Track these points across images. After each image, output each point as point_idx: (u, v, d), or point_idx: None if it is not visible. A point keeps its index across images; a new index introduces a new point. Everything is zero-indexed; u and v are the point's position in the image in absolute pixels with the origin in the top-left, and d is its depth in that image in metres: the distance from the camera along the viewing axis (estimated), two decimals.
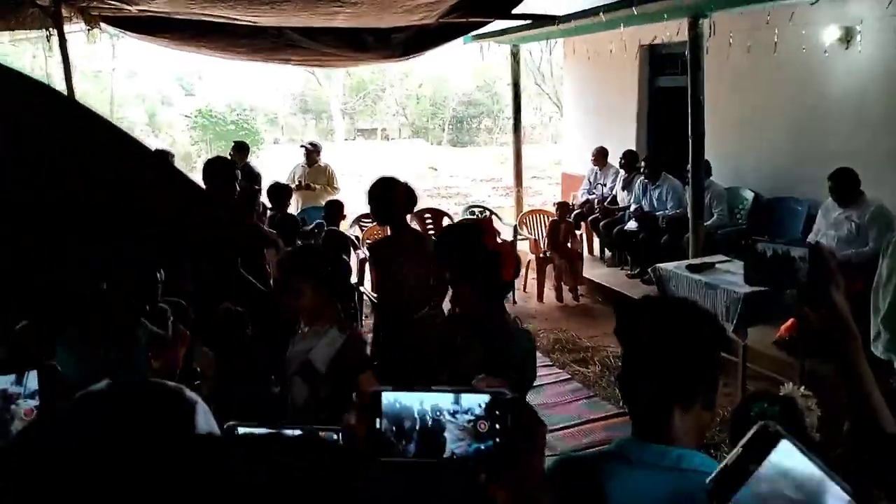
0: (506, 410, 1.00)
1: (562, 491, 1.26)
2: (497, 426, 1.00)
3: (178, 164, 8.31)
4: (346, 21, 5.66)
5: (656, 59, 7.97)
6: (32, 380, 1.06)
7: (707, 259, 5.15)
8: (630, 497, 1.18)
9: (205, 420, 0.71)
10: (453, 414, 1.00)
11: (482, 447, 1.00)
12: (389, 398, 1.00)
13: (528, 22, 6.83)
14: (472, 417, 1.00)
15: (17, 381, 1.06)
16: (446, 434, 1.00)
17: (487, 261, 2.36)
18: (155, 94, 22.46)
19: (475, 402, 1.00)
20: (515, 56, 8.45)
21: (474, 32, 7.04)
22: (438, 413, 0.99)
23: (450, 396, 1.00)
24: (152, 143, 8.18)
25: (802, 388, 1.91)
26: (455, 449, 1.00)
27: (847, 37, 5.60)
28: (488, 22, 6.79)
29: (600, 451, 1.31)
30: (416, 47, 6.68)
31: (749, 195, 6.59)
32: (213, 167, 4.19)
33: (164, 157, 5.86)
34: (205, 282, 3.44)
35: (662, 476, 1.17)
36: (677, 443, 1.20)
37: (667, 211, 6.80)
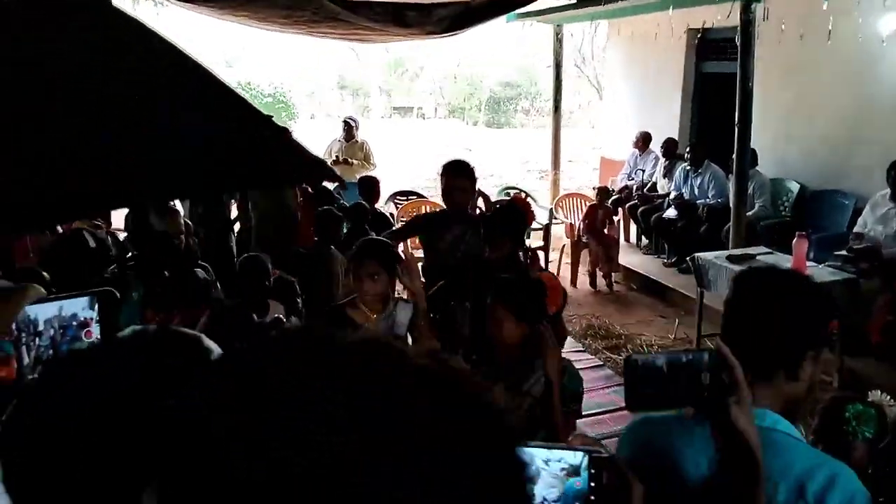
0: (601, 468, 1.05)
1: (634, 451, 1.29)
2: (592, 483, 1.05)
3: None
4: None
5: (703, 44, 7.76)
6: (89, 305, 1.09)
7: (748, 250, 5.04)
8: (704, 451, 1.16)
9: None
10: (546, 462, 1.08)
11: (572, 495, 1.06)
12: None
13: (575, 1, 6.70)
14: (566, 466, 1.06)
15: (89, 306, 1.08)
16: (539, 482, 1.07)
17: (533, 290, 2.40)
18: None
19: (569, 454, 1.07)
20: (558, 36, 8.31)
21: (518, 10, 6.92)
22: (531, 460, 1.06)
23: (544, 452, 1.08)
24: None
25: (888, 396, 1.88)
26: (547, 496, 1.07)
27: None
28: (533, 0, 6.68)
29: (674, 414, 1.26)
30: (459, 23, 6.59)
31: (794, 186, 6.42)
32: None
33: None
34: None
35: None
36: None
37: (708, 200, 6.67)
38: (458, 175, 3.63)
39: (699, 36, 7.60)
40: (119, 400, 0.67)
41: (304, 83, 22.45)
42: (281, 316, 3.15)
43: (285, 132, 2.12)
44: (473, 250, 3.50)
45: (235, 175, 1.90)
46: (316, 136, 8.91)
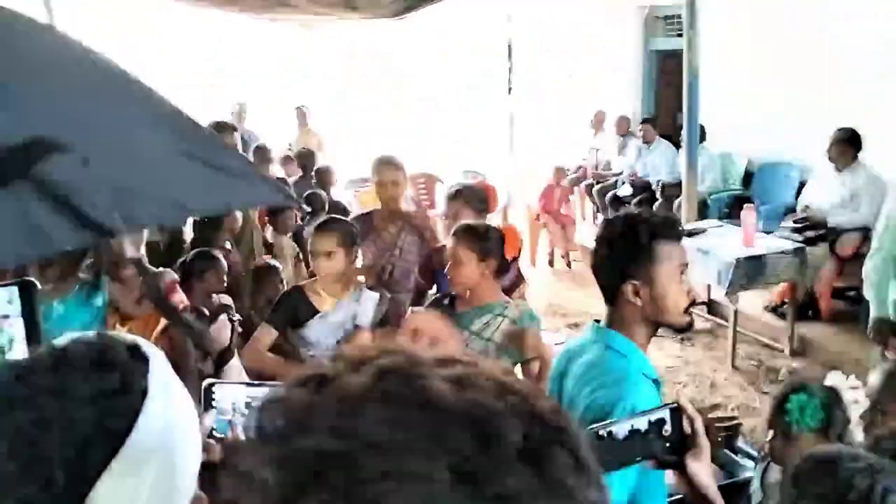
0: (680, 417, 1.15)
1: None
2: (670, 433, 1.15)
3: None
4: None
5: (652, 21, 7.86)
6: (10, 297, 1.04)
7: (700, 224, 5.15)
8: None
9: (160, 372, 0.71)
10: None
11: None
12: None
13: None
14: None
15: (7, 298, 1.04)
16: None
17: (492, 231, 2.40)
18: None
19: (656, 413, 1.17)
20: (509, 17, 8.29)
21: None
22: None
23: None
24: None
25: (852, 377, 1.80)
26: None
27: None
28: None
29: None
30: (410, 6, 6.53)
31: (743, 160, 6.57)
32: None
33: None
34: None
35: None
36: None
37: (661, 176, 6.78)
38: (388, 170, 3.34)
39: (648, 12, 7.69)
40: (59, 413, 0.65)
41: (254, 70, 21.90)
42: (228, 304, 3.13)
43: (240, 155, 2.07)
44: (409, 254, 3.28)
45: (194, 202, 1.82)
46: (270, 124, 8.77)
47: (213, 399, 1.05)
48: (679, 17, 5.79)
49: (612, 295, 1.51)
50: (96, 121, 1.61)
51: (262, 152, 6.14)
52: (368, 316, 2.65)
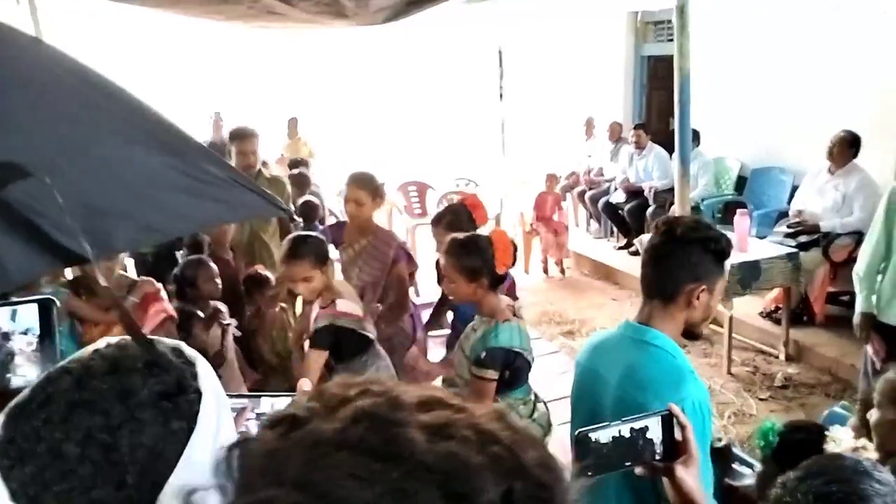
0: (670, 425, 1.15)
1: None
2: (660, 440, 1.16)
3: None
4: None
5: (643, 27, 7.86)
6: (27, 315, 1.02)
7: None
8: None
9: (207, 375, 0.72)
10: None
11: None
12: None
13: None
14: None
15: (11, 317, 1.02)
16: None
17: (482, 249, 2.33)
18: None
19: (645, 422, 1.16)
20: (500, 23, 8.28)
21: None
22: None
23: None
24: None
25: (852, 435, 1.76)
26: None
27: None
28: None
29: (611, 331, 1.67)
30: (398, 12, 6.50)
31: (735, 165, 6.56)
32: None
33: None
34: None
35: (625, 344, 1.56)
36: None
37: (653, 181, 6.76)
38: (352, 188, 3.29)
39: (638, 18, 7.69)
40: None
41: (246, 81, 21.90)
42: (220, 308, 3.12)
43: (230, 167, 2.02)
44: (366, 273, 3.26)
45: (185, 217, 1.77)
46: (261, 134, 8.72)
47: None
48: (670, 22, 5.78)
49: (669, 292, 1.53)
50: (69, 138, 1.56)
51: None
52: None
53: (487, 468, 0.39)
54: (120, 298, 2.60)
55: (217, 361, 3.02)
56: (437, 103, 12.46)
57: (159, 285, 2.89)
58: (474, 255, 2.32)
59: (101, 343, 0.73)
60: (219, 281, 3.24)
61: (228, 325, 3.22)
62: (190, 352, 0.74)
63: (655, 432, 1.14)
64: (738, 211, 4.76)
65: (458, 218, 3.08)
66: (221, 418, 0.70)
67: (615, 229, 7.22)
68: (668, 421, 1.15)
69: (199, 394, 0.69)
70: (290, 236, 2.76)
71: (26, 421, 0.65)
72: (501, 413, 0.44)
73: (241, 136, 3.99)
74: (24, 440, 0.64)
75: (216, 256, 3.58)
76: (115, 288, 2.62)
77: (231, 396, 1.16)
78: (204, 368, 0.73)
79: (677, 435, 1.15)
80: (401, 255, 3.34)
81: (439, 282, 3.22)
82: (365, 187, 3.27)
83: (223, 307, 3.30)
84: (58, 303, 1.08)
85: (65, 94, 1.70)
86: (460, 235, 2.44)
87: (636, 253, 5.87)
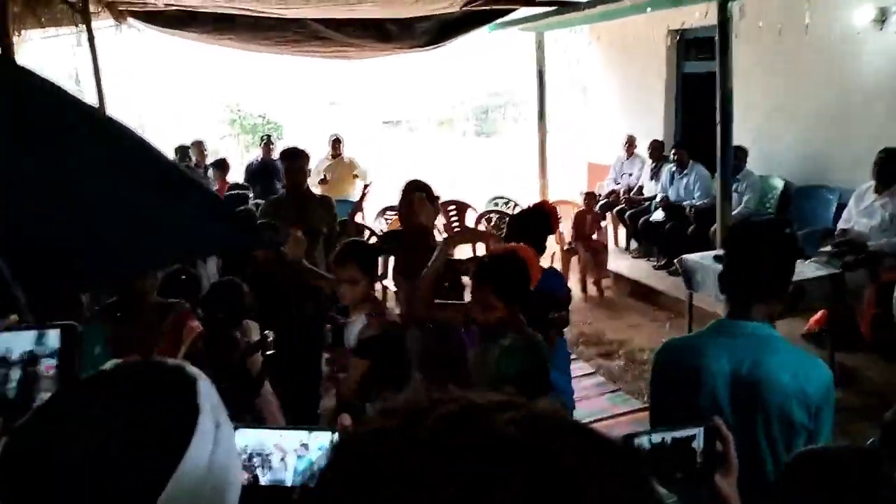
0: (713, 437, 1.19)
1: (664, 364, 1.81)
2: (704, 451, 1.19)
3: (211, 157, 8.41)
4: (369, 11, 5.65)
5: (684, 45, 7.83)
6: (53, 339, 1.09)
7: None
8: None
9: (208, 394, 0.74)
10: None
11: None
12: None
13: (553, 9, 6.75)
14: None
15: (38, 341, 1.08)
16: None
17: (518, 269, 2.34)
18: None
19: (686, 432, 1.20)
20: (540, 43, 8.36)
21: (499, 21, 6.97)
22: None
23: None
24: (183, 139, 8.33)
25: None
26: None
27: (881, 17, 5.43)
28: (513, 9, 6.72)
29: (698, 331, 1.87)
30: (441, 36, 6.65)
31: (779, 183, 6.45)
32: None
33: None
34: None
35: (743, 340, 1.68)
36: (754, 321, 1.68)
37: (694, 200, 6.70)
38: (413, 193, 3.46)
39: (679, 37, 7.66)
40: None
41: (293, 101, 22.43)
42: (267, 333, 3.14)
43: (216, 198, 2.04)
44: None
45: (170, 250, 1.78)
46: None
47: None
48: (711, 39, 5.76)
49: (775, 292, 1.71)
50: (33, 175, 1.54)
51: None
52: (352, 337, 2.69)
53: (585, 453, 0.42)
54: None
55: (256, 388, 3.00)
56: (475, 122, 12.57)
57: (186, 305, 2.94)
58: (510, 283, 2.34)
59: (107, 364, 0.76)
60: (248, 301, 3.22)
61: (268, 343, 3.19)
62: (192, 371, 0.76)
63: (698, 442, 1.19)
64: None
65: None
66: (220, 437, 0.73)
67: (655, 249, 7.15)
68: (712, 432, 1.19)
69: (196, 410, 0.72)
70: (344, 241, 2.89)
71: (26, 439, 0.68)
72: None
73: (292, 156, 4.18)
74: (21, 459, 0.67)
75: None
76: (152, 311, 2.75)
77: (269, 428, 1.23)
78: (205, 387, 0.75)
79: (719, 447, 1.19)
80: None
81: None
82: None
83: (253, 326, 3.23)
84: (79, 328, 1.14)
85: (34, 128, 1.66)
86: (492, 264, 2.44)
87: (676, 272, 5.81)
